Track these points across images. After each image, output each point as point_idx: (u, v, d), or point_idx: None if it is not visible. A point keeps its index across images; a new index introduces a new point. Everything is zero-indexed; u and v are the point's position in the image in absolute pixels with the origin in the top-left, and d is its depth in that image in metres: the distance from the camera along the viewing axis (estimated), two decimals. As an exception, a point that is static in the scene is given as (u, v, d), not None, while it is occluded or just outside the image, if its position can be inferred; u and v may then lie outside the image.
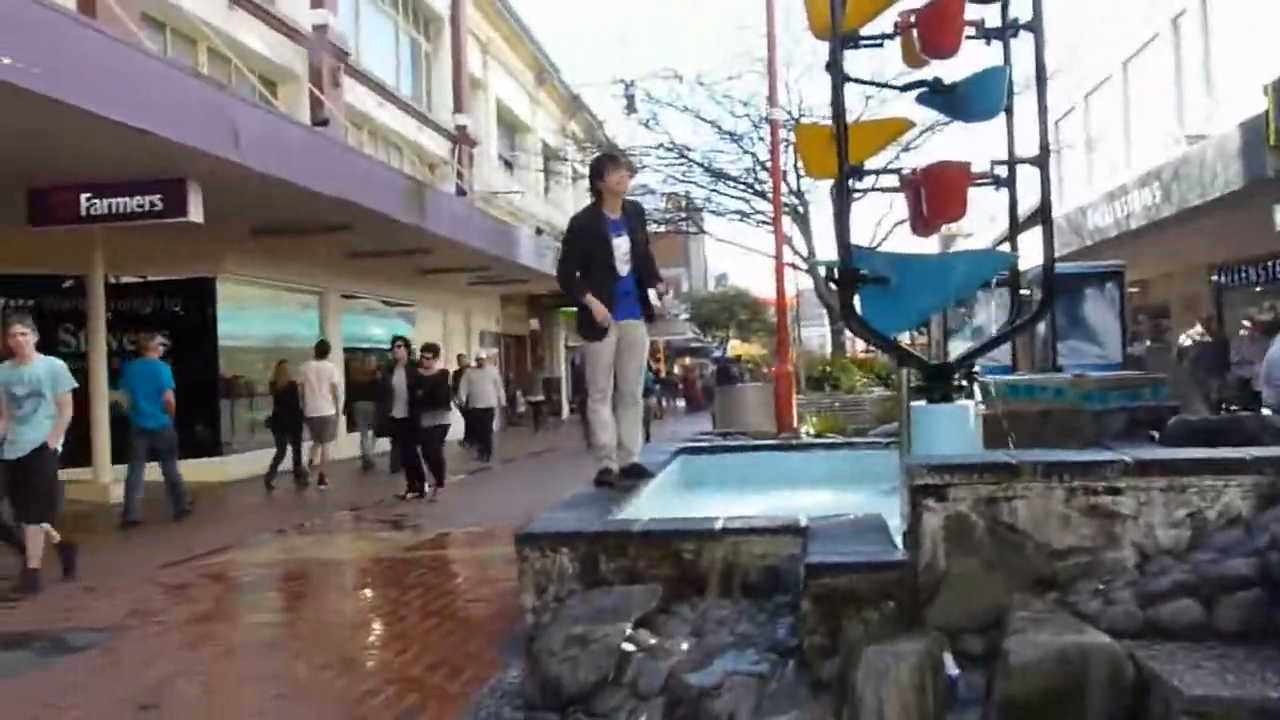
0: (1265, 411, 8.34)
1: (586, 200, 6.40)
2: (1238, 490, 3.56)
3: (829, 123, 5.95)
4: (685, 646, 4.06)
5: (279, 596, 6.87)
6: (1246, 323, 12.95)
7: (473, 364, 18.12)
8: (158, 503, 9.98)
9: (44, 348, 12.60)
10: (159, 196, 9.51)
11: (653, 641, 4.10)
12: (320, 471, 12.73)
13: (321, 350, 13.53)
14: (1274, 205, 11.73)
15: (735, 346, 45.59)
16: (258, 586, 7.06)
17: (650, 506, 5.84)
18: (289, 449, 13.05)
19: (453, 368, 18.66)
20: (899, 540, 4.03)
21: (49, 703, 4.33)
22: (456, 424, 16.81)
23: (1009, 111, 5.98)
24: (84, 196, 9.55)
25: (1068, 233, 17.14)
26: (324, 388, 12.77)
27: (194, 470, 10.55)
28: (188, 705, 4.28)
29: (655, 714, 3.66)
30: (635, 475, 6.20)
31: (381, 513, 10.18)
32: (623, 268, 6.02)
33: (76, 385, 7.32)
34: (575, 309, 6.26)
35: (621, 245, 6.02)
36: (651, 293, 6.27)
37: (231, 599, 6.76)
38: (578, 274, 6.06)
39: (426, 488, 11.16)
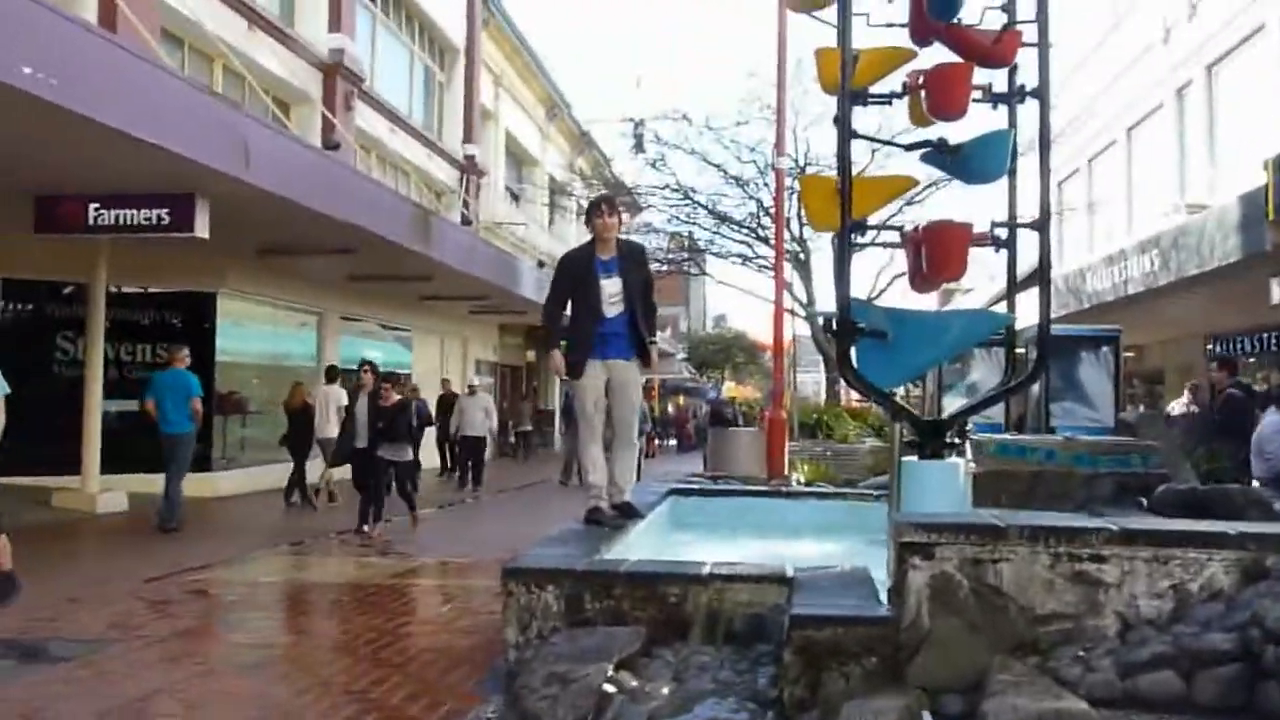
0: (1254, 484, 8.40)
1: (588, 236, 6.48)
2: (1221, 564, 3.59)
3: (834, 174, 6.05)
4: (666, 691, 4.06)
5: (263, 616, 6.83)
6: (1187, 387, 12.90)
7: (464, 391, 17.99)
8: (146, 515, 9.95)
9: (39, 354, 12.81)
10: (167, 211, 9.58)
11: (634, 684, 4.10)
12: (330, 490, 13.15)
13: (331, 375, 13.89)
14: (1271, 279, 11.83)
15: (730, 389, 45.62)
16: (242, 605, 7.03)
17: (638, 546, 5.87)
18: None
19: (437, 394, 18.74)
20: (884, 596, 4.05)
21: (26, 713, 4.31)
22: (431, 455, 17.19)
23: (1012, 174, 6.08)
24: (92, 207, 9.62)
25: (1066, 295, 17.26)
26: (331, 411, 12.96)
27: (185, 485, 10.54)
28: (165, 723, 4.27)
29: (633, 758, 3.66)
30: (627, 514, 6.22)
31: (365, 537, 10.14)
32: (610, 309, 6.06)
33: (9, 391, 7.24)
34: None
35: (610, 286, 6.07)
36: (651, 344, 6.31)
37: (216, 616, 6.73)
38: (563, 311, 6.22)
39: (366, 526, 10.24)
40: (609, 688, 4.00)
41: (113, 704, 4.45)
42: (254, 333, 15.63)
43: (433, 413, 17.02)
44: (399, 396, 10.98)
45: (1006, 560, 3.66)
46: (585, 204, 26.97)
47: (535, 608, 4.69)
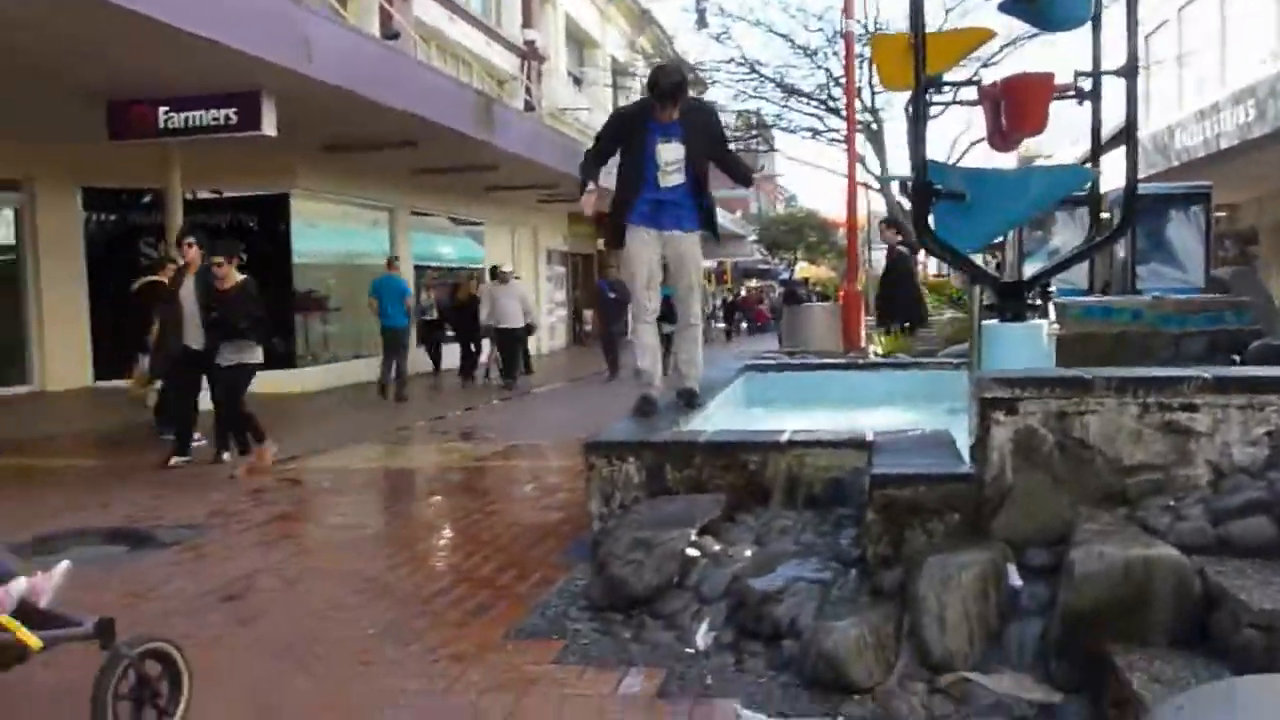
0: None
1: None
2: (1319, 409, 3.47)
3: (906, 33, 5.80)
4: (749, 553, 4.12)
5: (354, 501, 7.06)
6: None
7: (492, 281, 15.82)
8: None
9: (125, 259, 13.13)
10: (234, 110, 9.65)
11: (716, 548, 4.16)
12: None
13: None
14: (1375, 124, 11.18)
15: (803, 269, 45.10)
16: (334, 492, 7.26)
17: (716, 419, 5.89)
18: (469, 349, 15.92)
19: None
20: (967, 457, 4.02)
21: (139, 593, 4.55)
22: (447, 353, 16.59)
23: (1095, 20, 5.76)
24: (161, 110, 9.74)
25: (1154, 154, 16.55)
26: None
27: (269, 383, 10.84)
28: (268, 597, 4.47)
29: (718, 617, 3.74)
30: (689, 402, 5.75)
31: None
32: (669, 178, 5.49)
33: None
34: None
35: (668, 152, 5.46)
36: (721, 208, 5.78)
37: (309, 502, 6.98)
38: (599, 165, 5.72)
39: (226, 454, 8.01)
40: (692, 551, 4.07)
41: (216, 583, 4.67)
42: (327, 232, 15.81)
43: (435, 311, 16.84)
44: (241, 277, 7.98)
45: (1093, 412, 3.58)
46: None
47: (617, 479, 4.77)
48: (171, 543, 5.51)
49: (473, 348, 15.90)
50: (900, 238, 11.54)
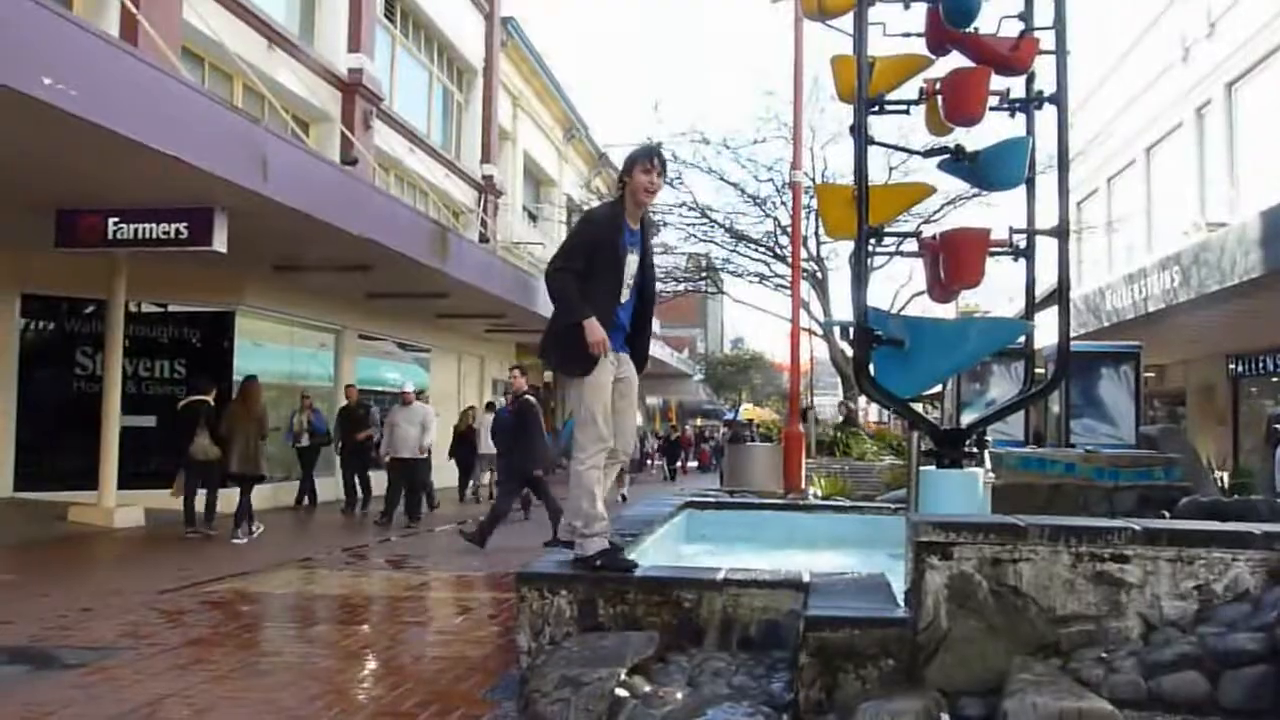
0: None
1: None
2: (1246, 564, 3.52)
3: (850, 185, 6.03)
4: (680, 695, 4.00)
5: (275, 626, 6.79)
6: None
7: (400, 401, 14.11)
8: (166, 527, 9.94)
9: (58, 370, 12.89)
10: (185, 225, 9.63)
11: (647, 689, 4.04)
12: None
13: (489, 407, 16.64)
14: (1293, 295, 11.72)
15: (748, 410, 45.50)
16: (256, 616, 6.99)
17: (652, 555, 5.81)
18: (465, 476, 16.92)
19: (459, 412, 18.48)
20: (901, 602, 3.99)
21: (35, 717, 4.28)
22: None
23: (1030, 184, 6.05)
24: (111, 221, 9.68)
25: (1085, 313, 17.15)
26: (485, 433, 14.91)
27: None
28: (175, 726, 4.25)
29: (645, 761, 3.60)
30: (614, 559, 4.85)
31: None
32: (627, 292, 4.94)
33: None
34: (542, 357, 5.25)
35: (631, 265, 4.93)
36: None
37: (228, 626, 6.69)
38: (579, 278, 4.82)
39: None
40: (622, 692, 3.94)
41: (120, 709, 4.42)
42: (272, 351, 15.68)
43: (331, 427, 14.97)
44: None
45: (1027, 560, 3.59)
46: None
47: (548, 613, 4.65)
48: (77, 664, 5.23)
49: (359, 479, 14.57)
50: (527, 385, 11.18)
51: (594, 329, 4.67)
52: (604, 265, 4.82)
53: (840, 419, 19.70)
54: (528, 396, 10.91)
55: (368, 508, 14.33)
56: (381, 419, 15.19)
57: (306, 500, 14.89)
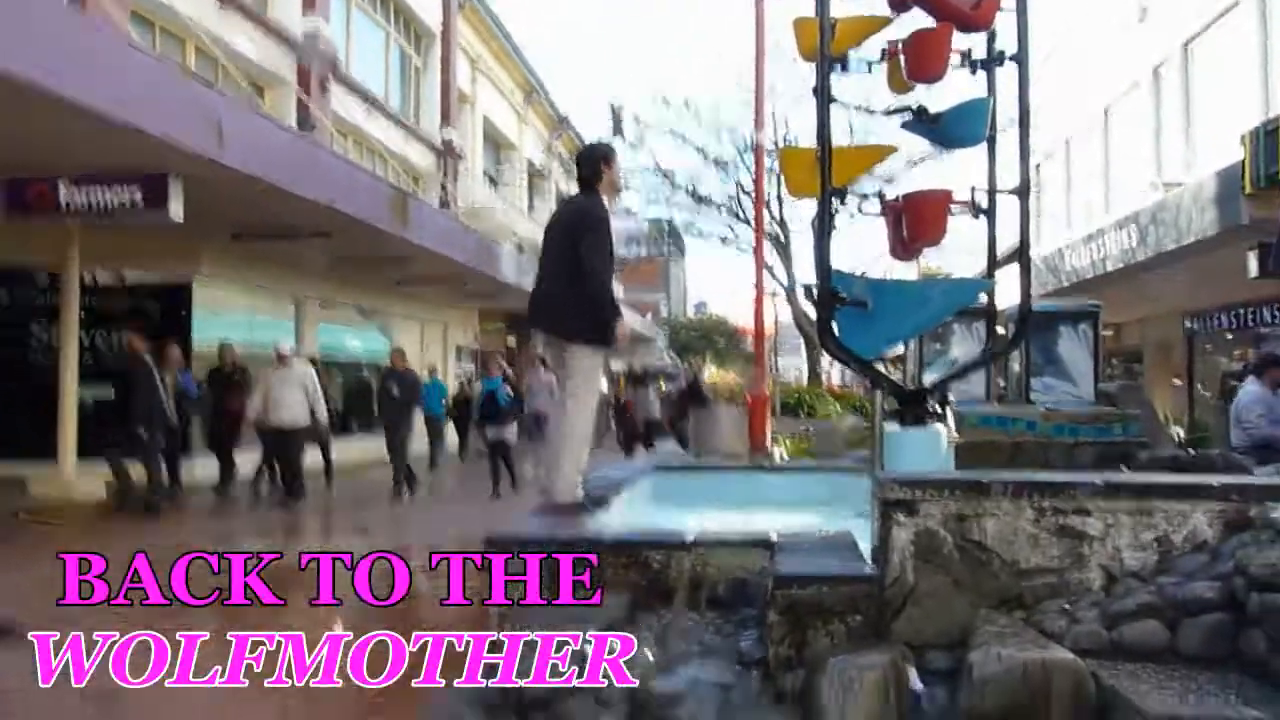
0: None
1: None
2: (1204, 516, 3.59)
3: (814, 147, 6.01)
4: (649, 654, 4.03)
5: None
6: None
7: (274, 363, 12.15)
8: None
9: (13, 342, 12.62)
10: (139, 192, 9.44)
11: (617, 649, 4.06)
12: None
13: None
14: (1248, 253, 11.89)
15: (712, 374, 45.64)
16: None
17: (620, 519, 5.82)
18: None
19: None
20: (868, 558, 4.04)
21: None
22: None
23: (991, 142, 6.06)
24: (62, 188, 9.47)
25: (1045, 273, 17.33)
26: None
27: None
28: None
29: (617, 720, 3.63)
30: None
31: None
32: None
33: None
34: (564, 329, 5.60)
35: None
36: None
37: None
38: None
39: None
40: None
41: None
42: (231, 321, 15.46)
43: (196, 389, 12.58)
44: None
45: (991, 515, 3.64)
46: (563, 185, 26.95)
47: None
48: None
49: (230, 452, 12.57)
50: (145, 350, 10.85)
51: (624, 325, 5.53)
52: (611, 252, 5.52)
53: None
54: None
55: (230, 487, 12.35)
56: None
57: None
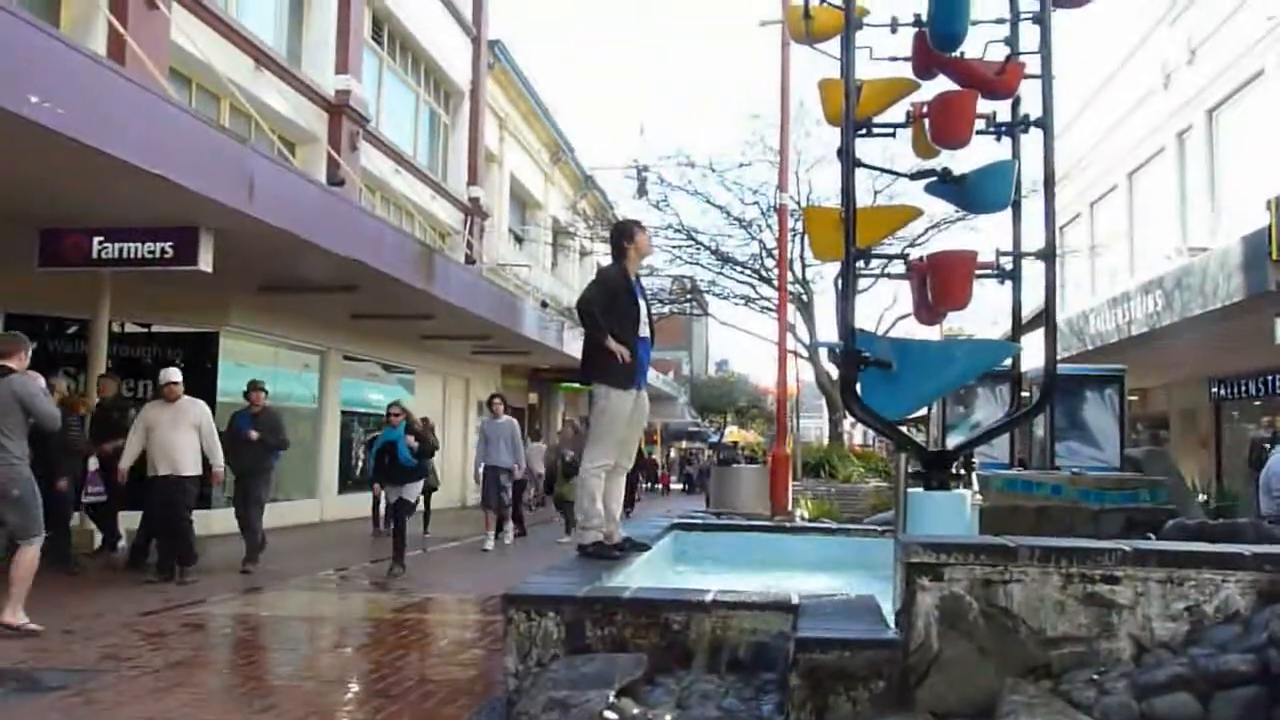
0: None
1: (591, 277, 6.43)
2: (1236, 586, 3.52)
3: (838, 208, 6.05)
4: (668, 718, 3.96)
5: (259, 650, 6.72)
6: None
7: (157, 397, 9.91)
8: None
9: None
10: (171, 244, 9.56)
11: (635, 711, 4.00)
12: None
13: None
14: (1275, 318, 11.80)
15: (732, 433, 45.51)
16: (238, 639, 6.91)
17: (640, 577, 5.77)
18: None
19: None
20: (891, 623, 3.98)
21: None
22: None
23: (1016, 206, 6.07)
24: (96, 240, 9.60)
25: (1069, 336, 17.24)
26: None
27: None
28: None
29: (634, 785, 3.57)
30: (629, 548, 6.00)
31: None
32: (645, 328, 5.91)
33: None
34: (580, 375, 6.16)
35: (643, 308, 5.93)
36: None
37: (211, 649, 6.62)
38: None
39: None
40: (610, 714, 3.90)
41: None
42: (256, 373, 15.55)
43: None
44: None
45: (1017, 581, 3.59)
46: (589, 244, 27.13)
47: (535, 635, 4.59)
48: (58, 686, 5.15)
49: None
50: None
51: (614, 344, 5.64)
52: (619, 312, 5.76)
53: None
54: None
55: (117, 548, 10.75)
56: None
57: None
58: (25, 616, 6.49)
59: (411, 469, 10.83)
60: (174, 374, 9.83)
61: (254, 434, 10.65)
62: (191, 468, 9.41)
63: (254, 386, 11.19)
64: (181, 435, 9.38)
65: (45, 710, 4.74)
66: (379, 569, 10.46)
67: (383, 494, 11.50)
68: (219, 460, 9.74)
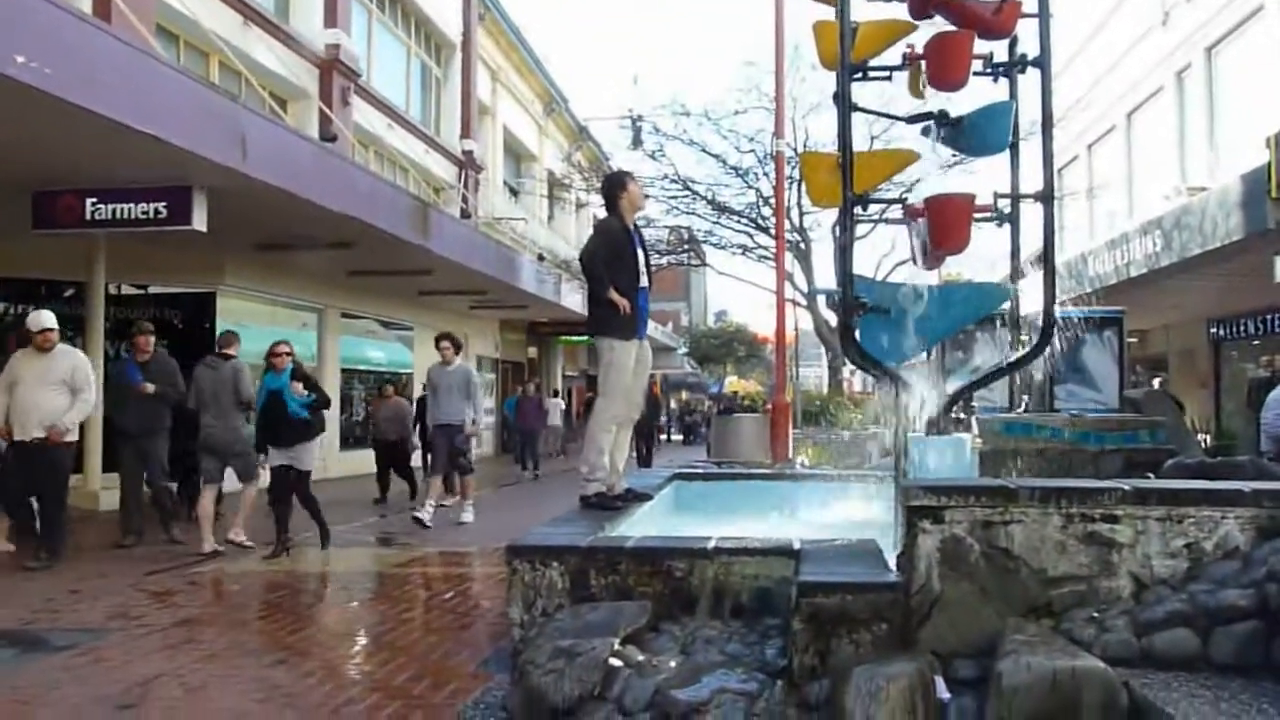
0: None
1: (588, 229, 6.49)
2: (1235, 522, 3.54)
3: (835, 153, 5.99)
4: (673, 664, 4.01)
5: (265, 605, 6.77)
6: None
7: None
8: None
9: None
10: (164, 204, 9.52)
11: (640, 658, 4.05)
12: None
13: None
14: (1274, 257, 11.76)
15: (732, 383, 45.53)
16: (244, 595, 6.97)
17: (642, 526, 5.81)
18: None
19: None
20: (893, 565, 4.00)
21: (25, 699, 4.27)
22: None
23: (1014, 148, 6.01)
24: (89, 201, 9.56)
25: (1068, 279, 17.16)
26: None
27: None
28: (166, 706, 4.22)
29: (641, 730, 3.61)
30: (631, 499, 6.10)
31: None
32: (645, 278, 5.98)
33: None
34: (585, 329, 6.32)
35: (641, 258, 5.98)
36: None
37: (218, 606, 6.68)
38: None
39: None
40: (615, 661, 3.94)
41: (111, 689, 4.40)
42: (253, 332, 15.52)
43: None
44: None
45: (1017, 522, 3.61)
46: (585, 196, 26.99)
47: (540, 585, 4.64)
48: (66, 646, 5.20)
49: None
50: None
51: (615, 295, 5.71)
52: (621, 263, 5.84)
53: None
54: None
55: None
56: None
57: None
58: (244, 535, 8.51)
59: (304, 425, 8.57)
60: (47, 318, 8.02)
61: (149, 386, 8.84)
62: (66, 431, 7.84)
63: (141, 330, 9.08)
64: (52, 393, 7.81)
65: (55, 669, 4.79)
66: (384, 524, 10.51)
67: (266, 464, 8.93)
68: (70, 418, 7.84)
